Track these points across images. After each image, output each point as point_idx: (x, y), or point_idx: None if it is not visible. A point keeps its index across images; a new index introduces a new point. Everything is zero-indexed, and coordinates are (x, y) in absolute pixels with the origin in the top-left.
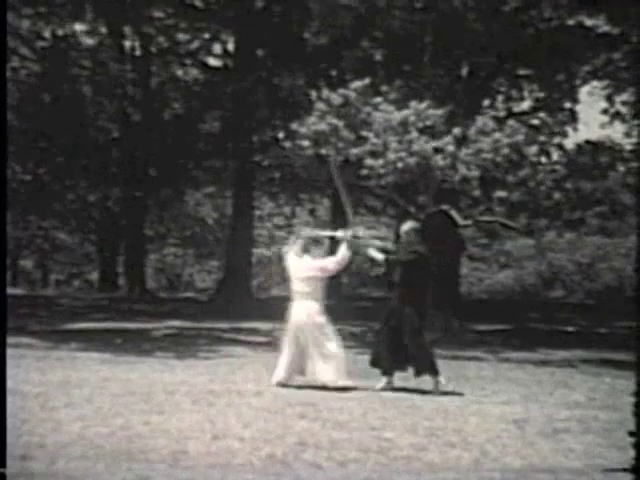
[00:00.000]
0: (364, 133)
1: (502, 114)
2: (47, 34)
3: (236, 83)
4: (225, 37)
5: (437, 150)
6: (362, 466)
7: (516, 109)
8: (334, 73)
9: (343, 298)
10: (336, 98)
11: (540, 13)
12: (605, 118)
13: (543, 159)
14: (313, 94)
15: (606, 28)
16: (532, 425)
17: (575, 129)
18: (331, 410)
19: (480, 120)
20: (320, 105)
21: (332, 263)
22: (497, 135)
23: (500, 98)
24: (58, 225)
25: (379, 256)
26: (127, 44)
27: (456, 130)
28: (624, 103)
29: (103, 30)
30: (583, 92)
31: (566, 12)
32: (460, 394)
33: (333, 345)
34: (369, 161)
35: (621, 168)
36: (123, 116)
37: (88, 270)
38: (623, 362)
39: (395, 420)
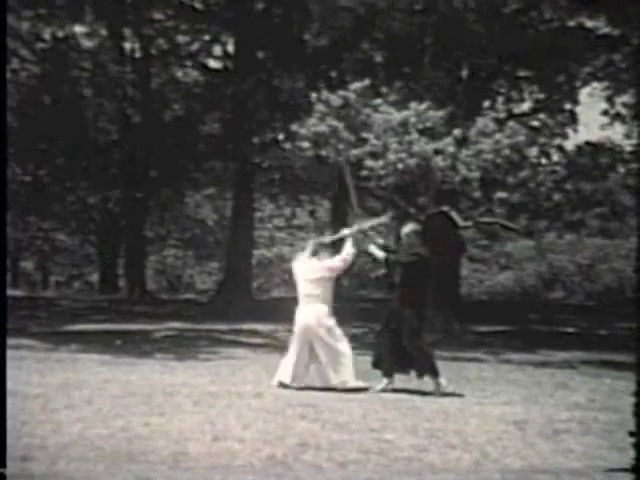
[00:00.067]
0: (364, 134)
1: (502, 115)
2: (47, 36)
3: (236, 85)
4: (225, 39)
5: (437, 151)
6: (362, 467)
7: (516, 110)
8: (334, 75)
9: (343, 300)
10: (336, 100)
11: (540, 14)
12: (605, 119)
13: (543, 160)
14: (313, 96)
15: (606, 29)
16: (532, 426)
17: (575, 130)
18: (331, 411)
19: (481, 121)
20: (320, 107)
21: (339, 261)
22: (498, 136)
23: (500, 99)
24: (58, 226)
25: (380, 254)
26: (127, 46)
27: (456, 131)
28: (624, 104)
29: (103, 32)
30: (583, 93)
31: (566, 13)
32: (460, 395)
33: (344, 347)
34: (369, 162)
35: (621, 169)
36: (123, 117)
37: (88, 272)
38: (623, 363)
39: (395, 421)
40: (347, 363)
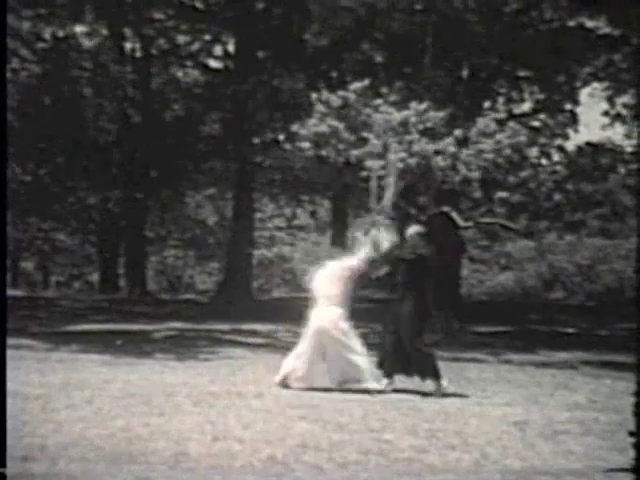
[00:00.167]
0: (364, 134)
1: (503, 116)
2: (47, 36)
3: (236, 85)
4: (225, 39)
5: (437, 152)
6: (363, 468)
7: (517, 111)
8: (334, 75)
9: None
10: (336, 100)
11: (541, 14)
12: (606, 120)
13: (544, 161)
14: (313, 96)
15: (607, 30)
16: (532, 427)
17: (576, 131)
18: (332, 412)
19: (481, 121)
20: (320, 107)
21: (359, 261)
22: (499, 136)
23: (501, 100)
24: (58, 227)
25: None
26: (127, 46)
27: (457, 132)
28: (625, 105)
29: (103, 32)
30: (584, 94)
31: (567, 14)
32: (461, 396)
33: (359, 350)
34: (369, 162)
35: (622, 170)
36: (123, 117)
37: (89, 272)
38: (624, 364)
39: (395, 422)
40: (363, 366)
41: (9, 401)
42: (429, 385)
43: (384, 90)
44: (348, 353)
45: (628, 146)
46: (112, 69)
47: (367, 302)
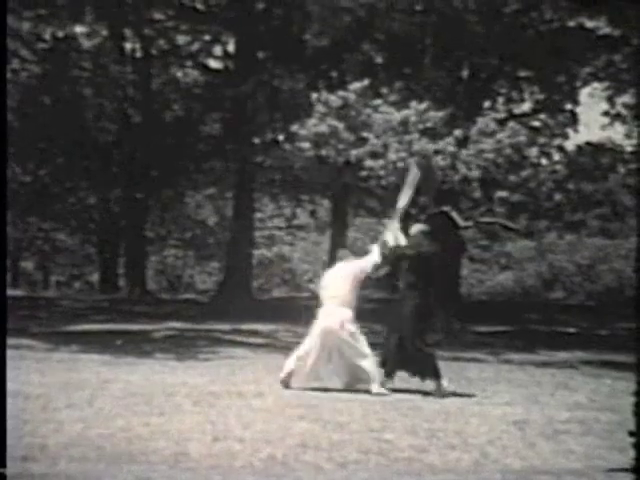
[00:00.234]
0: (364, 134)
1: (503, 116)
2: (47, 36)
3: (236, 85)
4: (225, 39)
5: (437, 151)
6: (363, 467)
7: (517, 111)
8: (334, 75)
9: None
10: (336, 100)
11: (541, 15)
12: (606, 120)
13: (544, 160)
14: (313, 96)
15: (607, 30)
16: (533, 426)
17: (576, 131)
18: (331, 411)
19: (482, 121)
20: (320, 107)
21: (368, 262)
22: (499, 136)
23: (501, 100)
24: (59, 227)
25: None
26: (128, 46)
27: (457, 132)
28: (625, 105)
29: (104, 32)
30: (584, 94)
31: (566, 14)
32: (461, 395)
33: (366, 352)
34: (369, 162)
35: (622, 170)
36: (123, 118)
37: (89, 271)
38: (623, 363)
39: (395, 422)
40: (369, 368)
41: (9, 401)
42: (429, 385)
43: (384, 90)
44: (354, 355)
45: (628, 146)
46: (112, 69)
47: (367, 302)
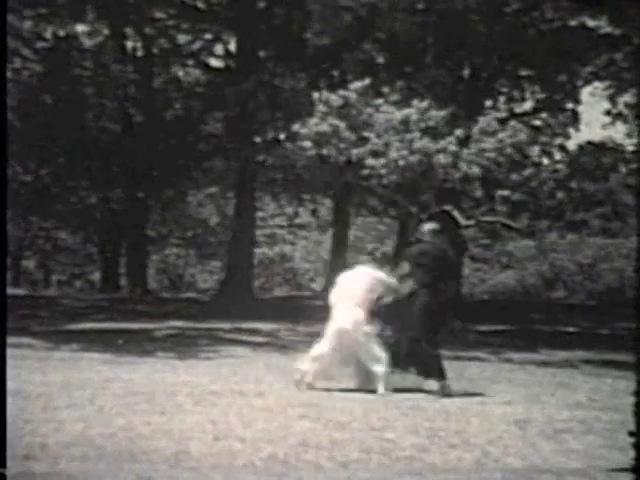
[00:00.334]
0: (365, 133)
1: (504, 115)
2: (48, 35)
3: (238, 84)
4: (227, 38)
5: (439, 150)
6: (364, 467)
7: (518, 110)
8: (335, 74)
9: None
10: (337, 99)
11: (542, 14)
12: (607, 119)
13: (545, 160)
14: (315, 95)
15: (608, 29)
16: (533, 426)
17: (577, 130)
18: (333, 410)
19: (483, 120)
20: (321, 106)
21: (386, 277)
22: (500, 135)
23: (502, 99)
24: (60, 225)
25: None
26: (129, 45)
27: (458, 131)
28: (626, 104)
29: (105, 31)
30: (585, 93)
31: (568, 13)
32: (462, 395)
33: (378, 354)
34: (370, 161)
35: (623, 169)
36: (125, 117)
37: (90, 271)
38: (624, 363)
39: (397, 421)
40: (380, 371)
41: (10, 400)
42: (430, 384)
43: (385, 89)
44: (367, 356)
45: (629, 145)
46: (113, 68)
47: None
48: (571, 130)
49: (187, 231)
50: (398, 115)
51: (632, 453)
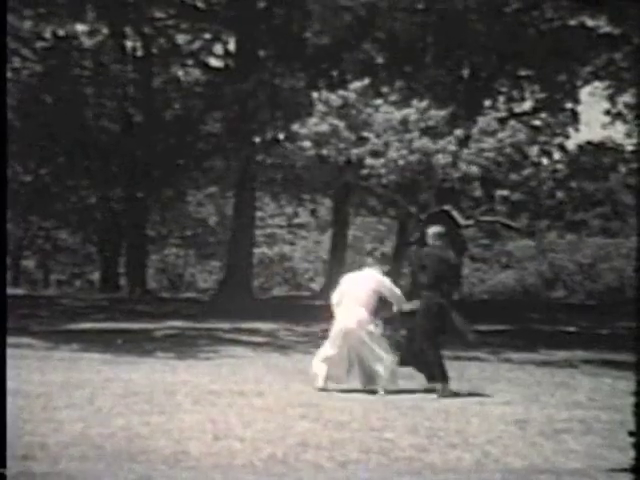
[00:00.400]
0: (365, 133)
1: (503, 114)
2: (48, 35)
3: (237, 84)
4: (226, 38)
5: (438, 150)
6: (363, 467)
7: (517, 109)
8: (335, 74)
9: None
10: (336, 99)
11: (542, 14)
12: (606, 119)
13: (544, 159)
14: (314, 95)
15: (607, 29)
16: (533, 426)
17: (576, 129)
18: (332, 410)
19: (482, 120)
20: (321, 106)
21: (392, 285)
22: (500, 135)
23: (501, 99)
24: (59, 225)
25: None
26: (128, 45)
27: (458, 131)
28: (626, 104)
29: (104, 31)
30: (584, 92)
31: (567, 13)
32: (462, 394)
33: (383, 354)
34: (370, 160)
35: (622, 169)
36: (124, 116)
37: (89, 270)
38: (624, 363)
39: (396, 421)
40: (383, 371)
41: (9, 400)
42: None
43: (385, 89)
44: (370, 356)
45: (629, 145)
46: (113, 68)
47: None
48: (571, 130)
49: (186, 231)
50: (397, 115)
51: (632, 453)
